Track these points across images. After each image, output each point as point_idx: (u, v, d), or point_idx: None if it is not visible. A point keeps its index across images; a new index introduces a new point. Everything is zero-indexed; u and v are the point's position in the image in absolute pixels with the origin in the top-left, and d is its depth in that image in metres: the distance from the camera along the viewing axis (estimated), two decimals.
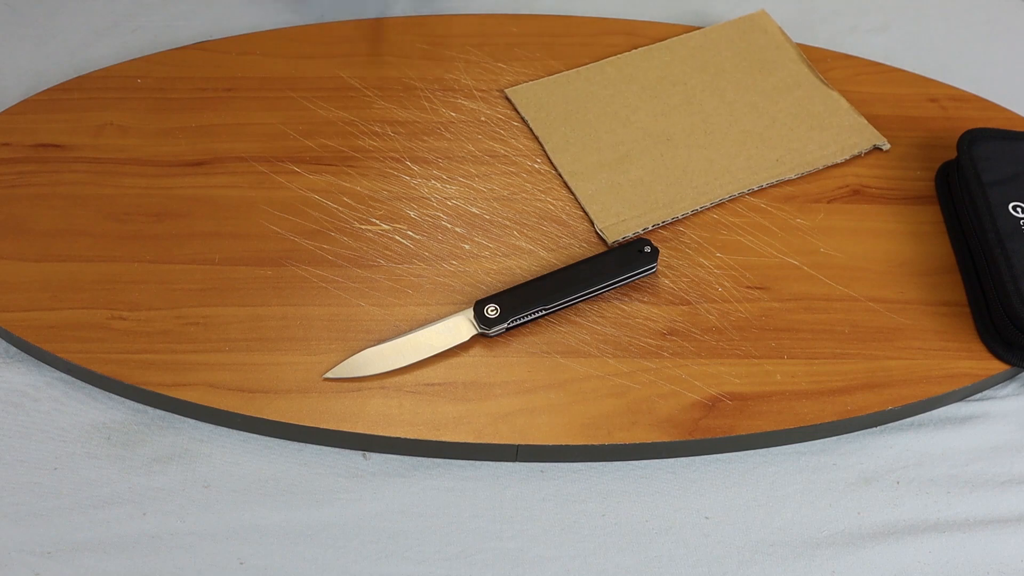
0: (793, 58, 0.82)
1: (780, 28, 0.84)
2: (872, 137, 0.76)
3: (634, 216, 0.71)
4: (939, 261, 0.70)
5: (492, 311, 0.63)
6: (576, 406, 0.62)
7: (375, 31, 0.82)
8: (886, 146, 0.76)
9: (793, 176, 0.74)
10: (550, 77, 0.79)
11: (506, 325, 0.64)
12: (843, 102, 0.78)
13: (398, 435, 0.60)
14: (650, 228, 0.70)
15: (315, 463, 0.62)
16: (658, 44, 0.82)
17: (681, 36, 0.83)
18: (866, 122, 0.77)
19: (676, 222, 0.71)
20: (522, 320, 0.64)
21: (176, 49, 0.80)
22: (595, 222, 0.70)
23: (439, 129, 0.75)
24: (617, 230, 0.70)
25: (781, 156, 0.75)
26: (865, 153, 0.76)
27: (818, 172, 0.75)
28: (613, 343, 0.64)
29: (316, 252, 0.68)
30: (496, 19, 0.84)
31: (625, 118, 0.77)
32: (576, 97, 0.78)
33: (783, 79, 0.80)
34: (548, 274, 0.66)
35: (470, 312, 0.64)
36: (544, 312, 0.65)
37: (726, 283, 0.68)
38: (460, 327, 0.63)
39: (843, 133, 0.77)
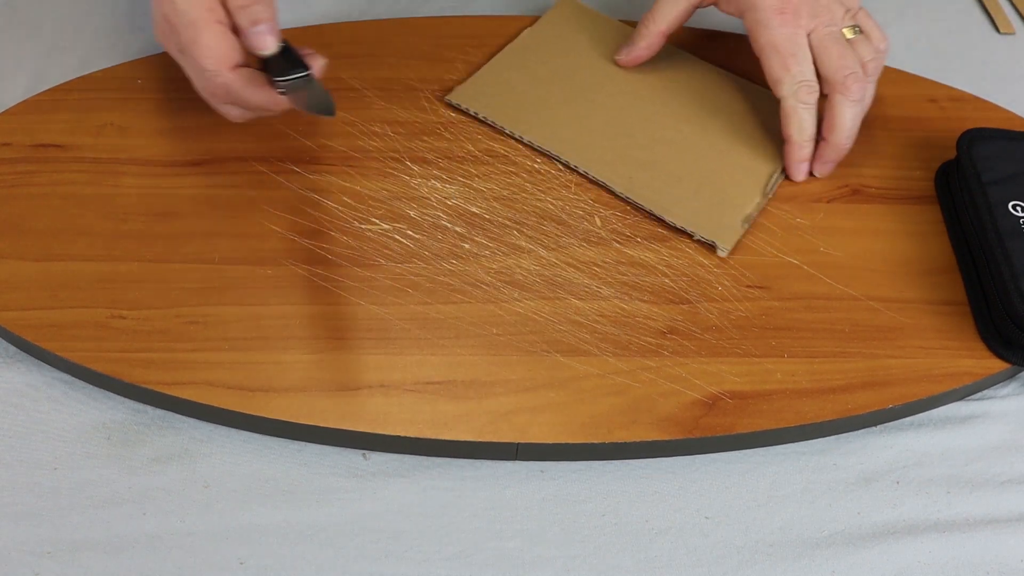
0: None
1: None
2: None
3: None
4: (939, 261, 0.70)
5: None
6: (576, 405, 0.62)
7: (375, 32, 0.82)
8: None
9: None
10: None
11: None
12: None
13: (398, 433, 0.60)
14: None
15: (315, 463, 0.61)
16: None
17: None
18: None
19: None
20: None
21: None
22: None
23: (439, 129, 0.75)
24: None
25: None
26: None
27: None
28: (613, 342, 0.64)
29: (316, 252, 0.68)
30: (496, 19, 0.84)
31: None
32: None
33: None
34: None
35: None
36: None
37: (726, 282, 0.68)
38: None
39: None
